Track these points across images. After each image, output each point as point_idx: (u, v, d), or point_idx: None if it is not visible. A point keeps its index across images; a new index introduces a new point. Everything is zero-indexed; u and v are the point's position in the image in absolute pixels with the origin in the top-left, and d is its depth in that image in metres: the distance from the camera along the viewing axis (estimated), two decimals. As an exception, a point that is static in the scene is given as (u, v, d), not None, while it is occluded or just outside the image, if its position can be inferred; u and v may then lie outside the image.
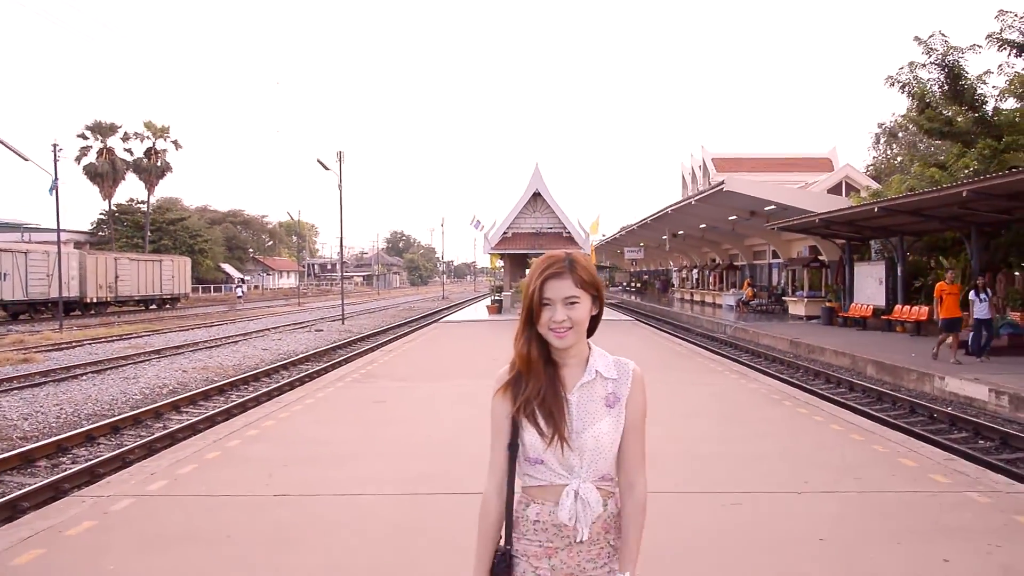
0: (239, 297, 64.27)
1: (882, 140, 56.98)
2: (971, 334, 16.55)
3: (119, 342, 26.74)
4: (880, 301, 25.78)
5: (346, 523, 5.76)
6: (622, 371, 2.22)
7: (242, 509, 6.12)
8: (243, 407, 13.00)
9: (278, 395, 13.51)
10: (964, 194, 16.47)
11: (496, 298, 37.19)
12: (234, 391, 15.54)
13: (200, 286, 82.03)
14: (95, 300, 44.57)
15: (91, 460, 9.62)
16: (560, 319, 2.11)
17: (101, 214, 79.28)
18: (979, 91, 24.03)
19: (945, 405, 13.07)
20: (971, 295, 16.33)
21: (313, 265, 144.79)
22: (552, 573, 2.16)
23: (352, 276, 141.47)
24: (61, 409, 12.91)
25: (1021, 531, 5.40)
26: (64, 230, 73.48)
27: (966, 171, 22.67)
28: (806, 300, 31.75)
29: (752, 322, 30.45)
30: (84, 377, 16.97)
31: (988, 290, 16.52)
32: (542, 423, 2.12)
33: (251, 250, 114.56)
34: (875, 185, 37.06)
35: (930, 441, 9.88)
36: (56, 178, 31.43)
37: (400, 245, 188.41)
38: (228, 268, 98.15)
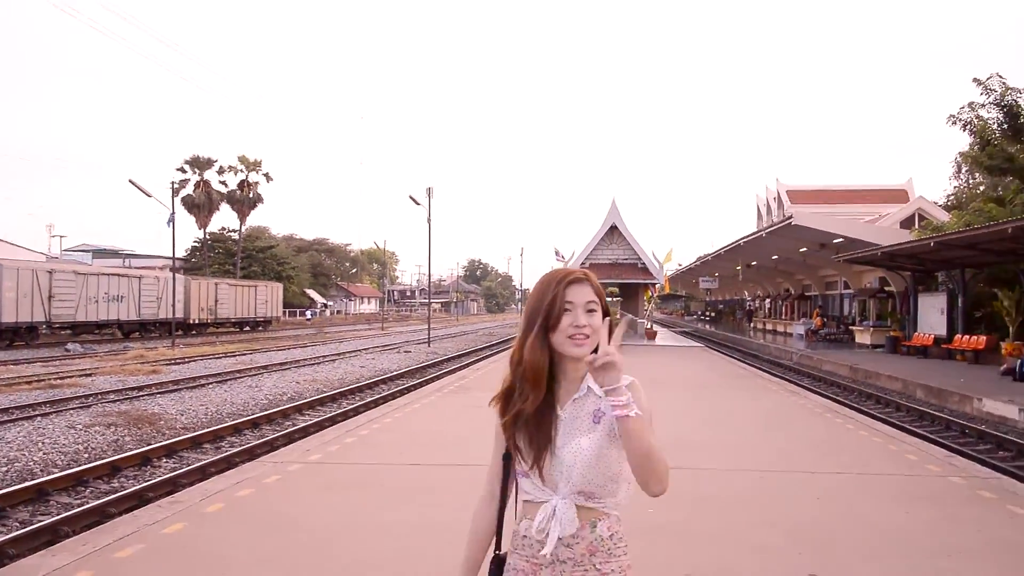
0: (308, 320, 68.38)
1: (963, 169, 57.22)
2: None
3: (227, 359, 29.48)
4: (942, 330, 26.84)
5: (463, 481, 7.76)
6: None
7: (385, 471, 8.19)
8: (357, 411, 15.18)
9: (384, 403, 15.63)
10: (1009, 231, 17.81)
11: (572, 324, 39.04)
12: (344, 399, 17.87)
13: (287, 310, 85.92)
14: (197, 321, 48.00)
15: (246, 444, 11.89)
16: (583, 323, 2.09)
17: (195, 241, 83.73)
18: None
19: (980, 423, 14.45)
20: None
21: (393, 292, 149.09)
22: None
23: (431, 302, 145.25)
24: (206, 409, 15.33)
25: (979, 500, 7.07)
26: (161, 256, 78.32)
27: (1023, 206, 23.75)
28: (872, 329, 32.85)
29: (819, 350, 31.65)
30: (210, 386, 19.46)
31: None
32: (524, 445, 2.13)
33: (334, 276, 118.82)
34: (946, 217, 37.87)
35: (943, 445, 11.43)
36: (173, 211, 34.70)
37: (477, 273, 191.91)
38: (313, 293, 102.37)
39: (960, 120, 26.51)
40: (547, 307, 2.11)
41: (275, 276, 78.28)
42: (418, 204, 37.89)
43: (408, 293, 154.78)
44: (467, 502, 6.59)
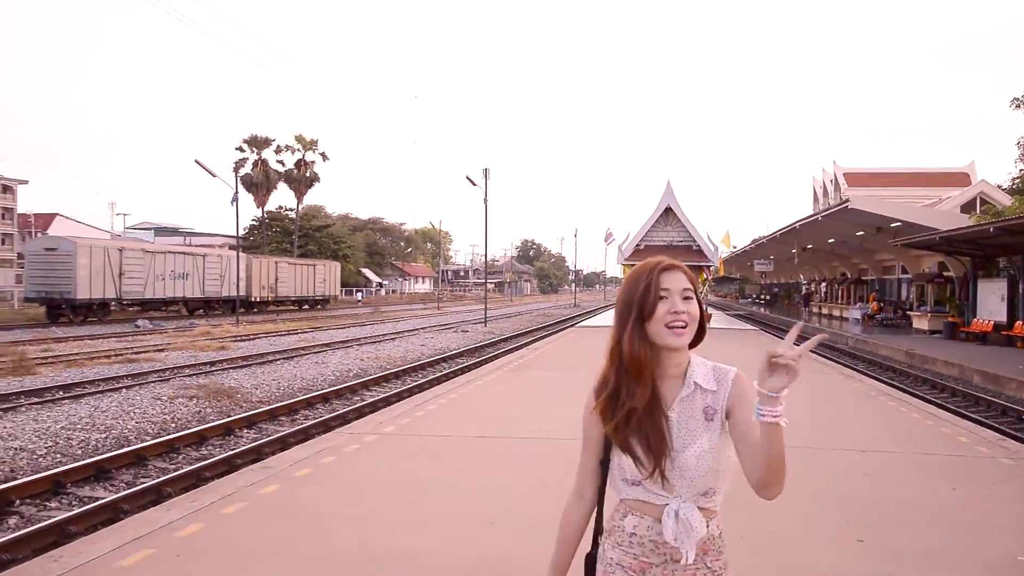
0: (359, 300, 69.93)
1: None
2: None
3: (290, 336, 30.48)
4: (1002, 317, 26.58)
5: (525, 452, 8.27)
6: (721, 380, 2.10)
7: (455, 442, 8.75)
8: (422, 388, 15.81)
9: (448, 380, 16.22)
10: (1070, 217, 17.69)
11: (627, 306, 39.33)
12: (408, 376, 18.56)
13: (344, 289, 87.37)
14: (258, 299, 49.32)
15: (320, 417, 12.57)
16: (681, 309, 2.03)
17: (253, 220, 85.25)
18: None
19: (1039, 411, 14.53)
20: None
21: (447, 271, 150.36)
22: None
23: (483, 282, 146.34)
24: (278, 383, 16.10)
25: (1002, 468, 7.38)
26: (221, 235, 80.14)
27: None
28: (930, 315, 32.56)
29: (875, 335, 31.53)
30: (278, 362, 20.28)
31: None
32: (640, 452, 2.05)
33: (389, 256, 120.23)
34: (1009, 201, 37.26)
35: (995, 429, 11.63)
36: (236, 191, 35.77)
37: (531, 253, 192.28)
38: (368, 272, 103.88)
39: (1024, 103, 26.19)
40: (641, 295, 2.06)
41: (331, 255, 79.52)
42: (475, 185, 38.42)
43: (462, 273, 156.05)
44: (529, 469, 7.14)
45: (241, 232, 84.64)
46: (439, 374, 18.74)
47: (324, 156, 79.44)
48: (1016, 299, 26.02)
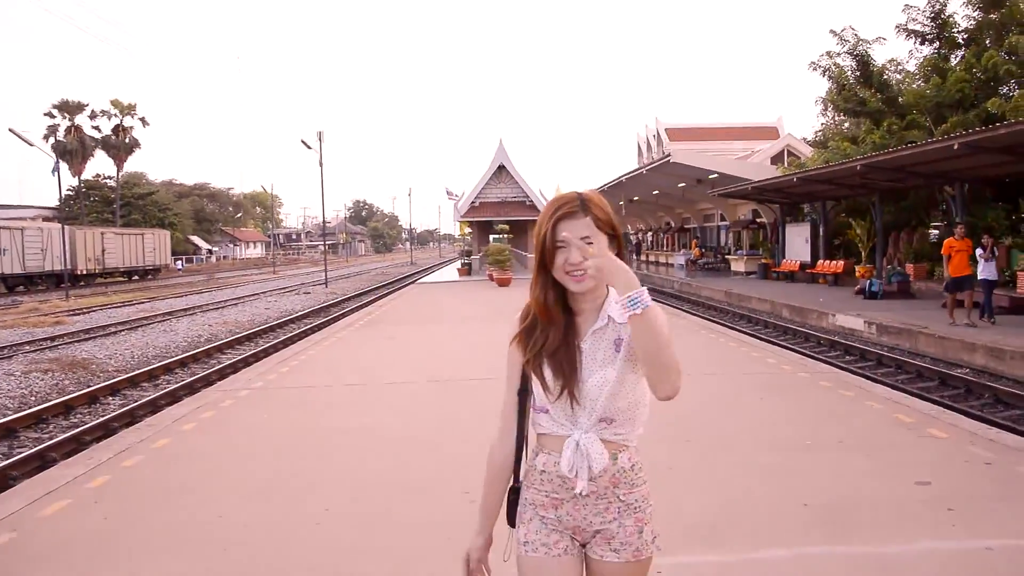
0: (179, 270, 67.81)
1: (830, 108, 60.88)
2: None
3: (127, 307, 29.55)
4: (807, 257, 29.47)
5: (400, 398, 9.06)
6: None
7: (323, 391, 9.41)
8: (277, 348, 16.19)
9: (302, 339, 16.64)
10: (858, 167, 19.99)
11: (465, 261, 40.45)
12: (260, 338, 18.82)
13: (173, 257, 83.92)
14: (85, 272, 47.00)
15: (184, 380, 12.81)
16: (576, 261, 2.02)
17: (68, 190, 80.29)
18: (885, 76, 27.68)
19: (833, 335, 16.62)
20: (977, 253, 14.96)
21: (278, 235, 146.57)
22: (558, 524, 2.16)
23: (317, 245, 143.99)
24: (131, 352, 16.04)
25: (817, 387, 8.85)
26: (32, 206, 75.17)
27: (872, 145, 26.17)
28: (745, 258, 35.44)
29: (698, 278, 34.03)
30: (123, 332, 19.95)
31: (995, 249, 15.28)
32: (549, 377, 2.09)
33: (218, 222, 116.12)
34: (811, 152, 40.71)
35: (797, 351, 13.42)
36: (58, 160, 34.04)
37: (363, 214, 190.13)
38: (197, 240, 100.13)
39: (820, 66, 28.85)
40: (540, 245, 2.08)
41: (157, 223, 76.11)
42: (309, 148, 38.15)
43: (294, 236, 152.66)
44: (395, 408, 7.91)
45: (57, 203, 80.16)
46: (292, 333, 19.13)
47: (144, 121, 75.82)
48: (818, 241, 28.88)
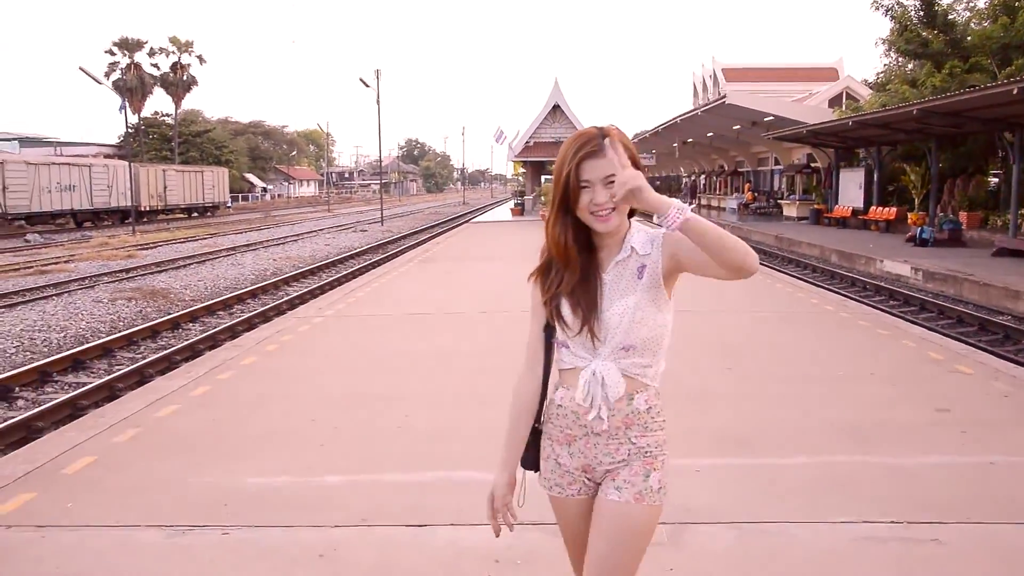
0: (228, 207, 68.33)
1: (892, 50, 59.44)
2: None
3: (190, 243, 30.71)
4: (859, 203, 29.39)
5: (453, 323, 9.75)
6: (655, 242, 2.07)
7: (391, 319, 10.16)
8: (341, 281, 17.05)
9: (363, 274, 17.44)
10: (914, 112, 19.95)
11: (518, 201, 40.96)
12: (324, 272, 19.77)
13: (231, 195, 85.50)
14: (148, 208, 48.50)
15: (258, 309, 13.69)
16: (601, 201, 1.98)
17: (129, 127, 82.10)
18: (951, 16, 27.15)
19: (880, 280, 16.91)
20: None
21: (331, 174, 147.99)
22: (570, 460, 2.17)
23: (370, 184, 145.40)
24: (204, 284, 17.05)
25: (856, 326, 9.32)
26: (93, 143, 76.95)
27: (932, 88, 25.87)
28: (798, 203, 35.39)
29: (749, 222, 34.14)
30: (193, 266, 20.99)
31: None
32: (568, 314, 2.08)
33: (272, 160, 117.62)
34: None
35: (840, 294, 13.84)
36: (124, 99, 35.12)
37: (415, 153, 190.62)
38: (252, 178, 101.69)
39: (882, 5, 28.33)
40: (563, 186, 2.04)
41: (214, 160, 77.35)
42: (367, 86, 38.73)
43: (347, 175, 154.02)
44: (459, 334, 8.70)
45: (117, 140, 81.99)
46: (353, 268, 20.03)
47: (201, 59, 77.09)
48: (872, 187, 28.78)
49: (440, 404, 6.25)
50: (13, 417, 7.41)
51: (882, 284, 16.07)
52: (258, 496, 4.46)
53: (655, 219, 1.92)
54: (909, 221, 24.09)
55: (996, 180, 25.51)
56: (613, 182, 1.93)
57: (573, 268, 2.09)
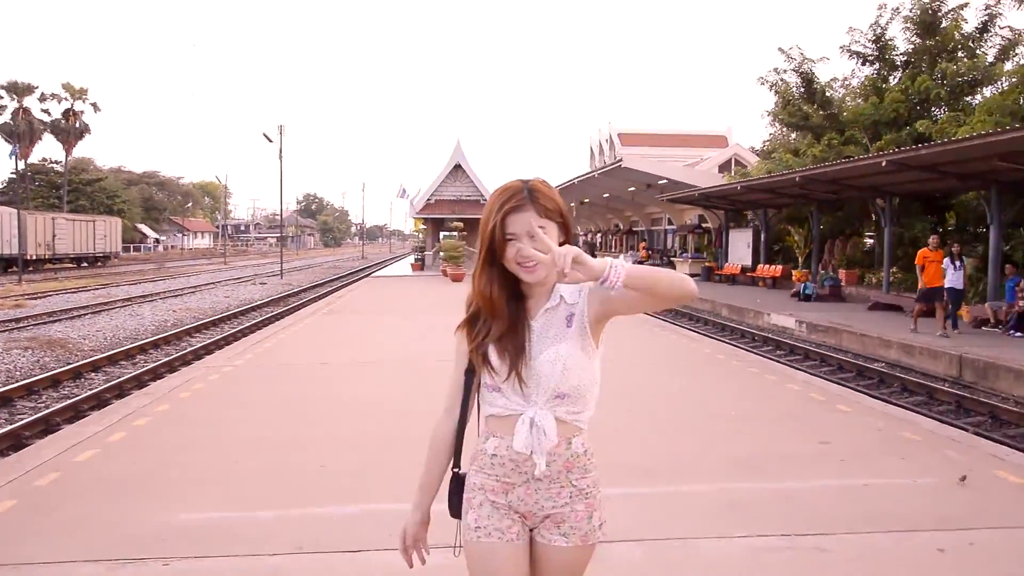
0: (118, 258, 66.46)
1: (776, 121, 62.96)
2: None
3: (83, 292, 29.78)
4: (748, 261, 30.97)
5: (364, 371, 9.98)
6: (581, 291, 2.10)
7: (302, 368, 10.31)
8: (245, 333, 16.95)
9: (267, 326, 17.38)
10: (797, 179, 21.37)
11: (418, 256, 41.30)
12: (226, 323, 19.55)
13: (124, 245, 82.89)
14: (35, 257, 46.70)
15: (162, 359, 13.52)
16: (527, 255, 1.98)
17: (12, 173, 78.97)
18: (828, 93, 29.28)
19: (767, 332, 17.91)
20: (945, 263, 15.06)
21: (227, 226, 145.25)
22: (509, 508, 2.15)
23: (266, 237, 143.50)
24: (103, 334, 16.66)
25: (742, 371, 9.99)
26: (-24, 190, 73.55)
27: (813, 158, 27.65)
28: (690, 260, 36.87)
29: (644, 279, 35.30)
30: (88, 316, 20.45)
31: (962, 258, 15.59)
32: (496, 361, 2.08)
33: (166, 211, 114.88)
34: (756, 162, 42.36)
35: (732, 344, 14.66)
36: (16, 143, 34.03)
37: (313, 207, 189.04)
38: (145, 228, 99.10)
39: (767, 81, 30.27)
40: (489, 238, 2.05)
41: (105, 210, 75.12)
42: (271, 141, 38.69)
43: (243, 228, 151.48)
44: (371, 383, 8.98)
45: (0, 186, 78.64)
46: (256, 320, 19.89)
47: (96, 107, 75.27)
48: (759, 246, 30.39)
49: (358, 446, 6.48)
50: (-85, 465, 7.22)
51: (769, 335, 17.06)
52: (194, 530, 4.62)
53: (597, 283, 1.92)
54: (794, 278, 25.51)
55: (871, 241, 27.29)
56: (534, 236, 1.99)
57: (500, 317, 2.10)
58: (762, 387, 9.04)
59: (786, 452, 6.17)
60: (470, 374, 2.19)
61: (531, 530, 2.18)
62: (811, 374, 11.20)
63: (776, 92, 30.26)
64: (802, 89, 29.47)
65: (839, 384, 10.38)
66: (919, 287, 15.29)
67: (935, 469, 5.68)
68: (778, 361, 12.87)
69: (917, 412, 8.85)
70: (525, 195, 2.03)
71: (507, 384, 2.09)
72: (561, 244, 2.01)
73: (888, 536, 4.45)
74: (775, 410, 7.80)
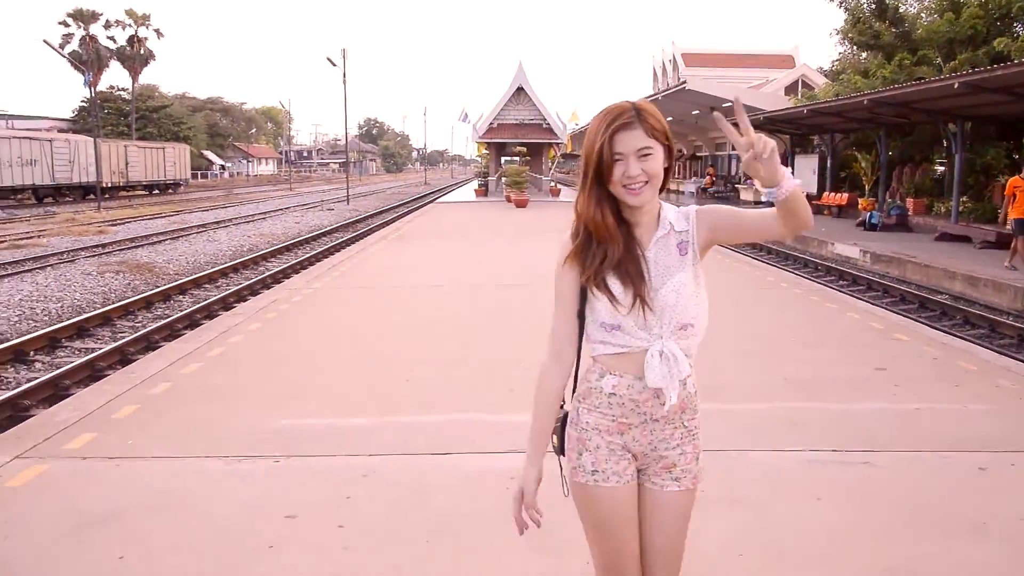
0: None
1: (847, 38, 60.99)
2: None
3: (159, 219, 30.91)
4: (813, 188, 30.55)
5: (432, 293, 10.48)
6: (688, 218, 2.09)
7: (377, 291, 10.87)
8: (317, 258, 17.64)
9: (339, 251, 18.03)
10: (865, 102, 21.00)
11: (482, 182, 41.57)
12: (299, 248, 20.33)
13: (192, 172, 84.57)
14: (109, 184, 48.20)
15: (243, 283, 14.23)
16: (635, 174, 1.95)
17: (82, 101, 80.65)
18: (901, 9, 28.36)
19: (831, 261, 17.95)
20: None
21: (290, 152, 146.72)
22: (624, 449, 2.10)
23: (328, 163, 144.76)
24: (185, 259, 17.51)
25: (806, 300, 10.24)
26: (46, 117, 75.62)
27: (883, 79, 27.00)
28: (754, 188, 36.47)
29: (707, 206, 35.15)
30: (167, 242, 21.38)
31: None
32: (618, 288, 2.00)
33: (231, 137, 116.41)
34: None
35: (793, 273, 14.83)
36: (89, 72, 35.02)
37: (374, 132, 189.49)
38: (211, 155, 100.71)
39: (835, -2, 29.45)
40: (596, 159, 1.99)
41: (172, 137, 76.25)
42: (334, 65, 38.99)
43: (305, 154, 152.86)
44: (437, 303, 9.53)
45: (70, 114, 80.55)
46: (328, 245, 20.59)
47: (159, 32, 76.12)
48: (825, 173, 29.98)
49: (437, 362, 7.00)
50: (37, 377, 7.97)
51: (832, 265, 17.11)
52: (297, 434, 5.18)
53: (763, 189, 1.91)
54: (860, 207, 25.21)
55: (942, 168, 26.74)
56: (646, 155, 1.97)
57: (616, 241, 2.03)
58: (823, 314, 9.30)
59: (842, 376, 6.49)
60: (582, 317, 2.12)
61: (639, 472, 2.17)
62: (870, 302, 11.38)
63: (846, 9, 29.45)
64: (873, 5, 28.56)
65: (900, 315, 10.56)
66: (1008, 218, 14.04)
67: (986, 396, 5.94)
68: (840, 291, 13.02)
69: (976, 343, 9.02)
70: (633, 114, 1.99)
71: (630, 316, 2.03)
72: (666, 168, 2.03)
73: (932, 455, 4.77)
74: (834, 337, 8.08)
